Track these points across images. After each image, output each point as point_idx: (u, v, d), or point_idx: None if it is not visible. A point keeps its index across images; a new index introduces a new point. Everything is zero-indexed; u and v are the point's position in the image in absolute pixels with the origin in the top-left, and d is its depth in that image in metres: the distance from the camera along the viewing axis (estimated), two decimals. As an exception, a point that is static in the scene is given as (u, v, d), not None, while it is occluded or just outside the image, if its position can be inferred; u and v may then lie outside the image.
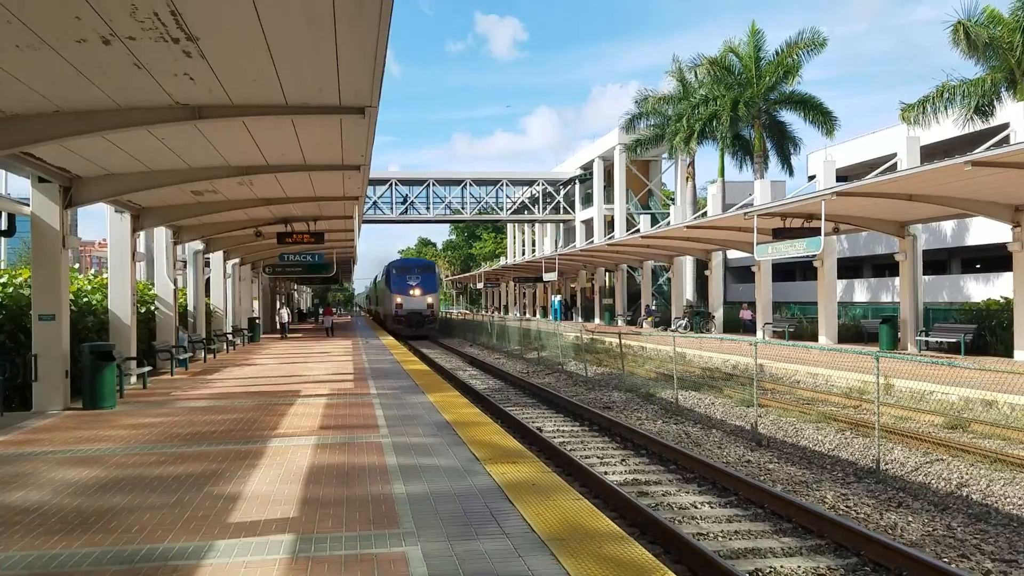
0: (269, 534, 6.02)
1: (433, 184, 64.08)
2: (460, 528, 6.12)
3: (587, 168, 63.76)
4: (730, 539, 8.36)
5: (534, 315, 67.81)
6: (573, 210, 65.70)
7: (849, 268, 44.43)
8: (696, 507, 9.60)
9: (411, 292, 47.95)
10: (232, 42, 7.71)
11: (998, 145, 19.21)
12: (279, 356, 25.94)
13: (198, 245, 24.99)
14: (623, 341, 24.35)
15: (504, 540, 5.81)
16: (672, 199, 60.02)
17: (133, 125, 9.93)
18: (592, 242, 55.12)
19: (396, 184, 63.56)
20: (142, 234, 19.64)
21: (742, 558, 7.79)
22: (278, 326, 41.41)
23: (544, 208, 66.54)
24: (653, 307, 47.63)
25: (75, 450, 9.61)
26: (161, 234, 20.91)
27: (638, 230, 45.97)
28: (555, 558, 5.40)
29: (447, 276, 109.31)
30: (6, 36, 7.11)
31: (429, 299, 48.43)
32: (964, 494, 10.16)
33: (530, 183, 67.38)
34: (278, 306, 47.11)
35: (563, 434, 14.69)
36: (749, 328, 36.65)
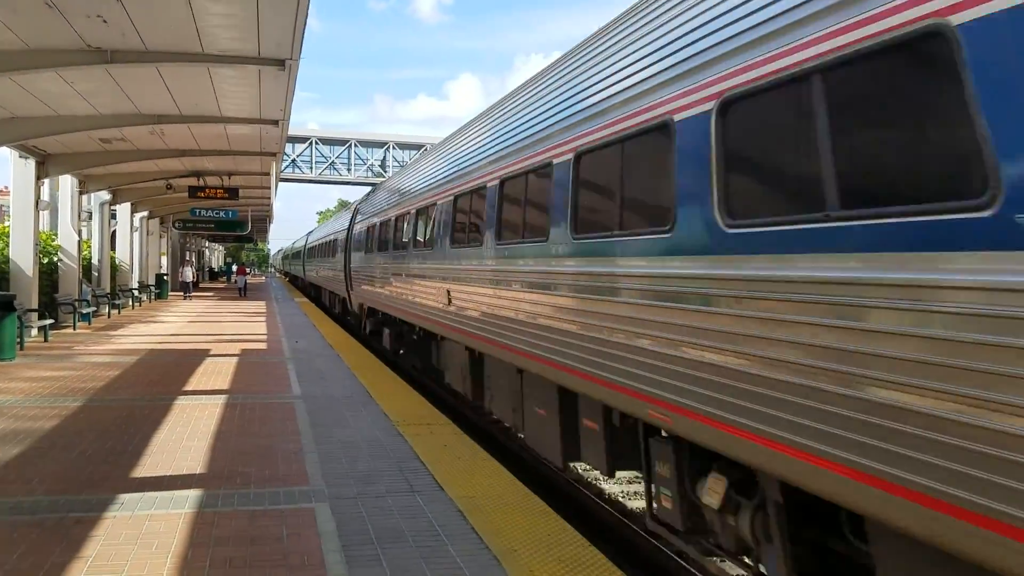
0: (175, 489, 5.99)
1: (355, 145, 63.11)
2: (366, 485, 6.19)
3: (511, 137, 63.71)
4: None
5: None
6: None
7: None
8: None
9: None
10: (149, -15, 7.49)
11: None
12: (187, 315, 25.32)
13: (105, 196, 24.06)
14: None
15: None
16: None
17: (42, 67, 9.59)
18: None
19: (317, 143, 62.37)
20: (47, 182, 18.83)
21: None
22: (179, 286, 38.19)
23: (466, 174, 66.07)
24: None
25: (-30, 402, 9.30)
26: (67, 183, 20.08)
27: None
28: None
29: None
30: (-97, -36, 6.74)
31: None
32: None
33: (453, 148, 66.68)
34: (183, 264, 43.48)
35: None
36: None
